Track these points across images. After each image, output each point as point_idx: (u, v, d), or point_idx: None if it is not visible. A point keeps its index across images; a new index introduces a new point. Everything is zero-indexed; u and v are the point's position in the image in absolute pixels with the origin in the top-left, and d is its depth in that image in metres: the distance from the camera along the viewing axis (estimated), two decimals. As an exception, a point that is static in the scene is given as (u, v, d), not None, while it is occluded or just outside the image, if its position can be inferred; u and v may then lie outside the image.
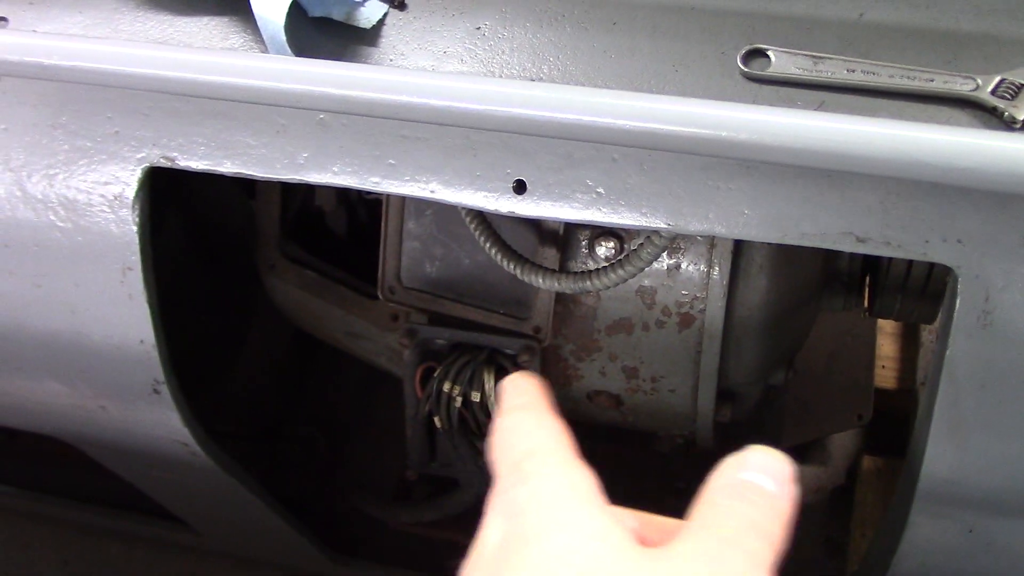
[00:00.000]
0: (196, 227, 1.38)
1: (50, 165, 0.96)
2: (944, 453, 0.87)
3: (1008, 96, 0.78)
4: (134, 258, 0.96)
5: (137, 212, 0.95)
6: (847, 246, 0.80)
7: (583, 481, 0.55)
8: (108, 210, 0.95)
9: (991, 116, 0.79)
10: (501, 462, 0.59)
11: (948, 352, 0.82)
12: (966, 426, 0.85)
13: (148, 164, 0.93)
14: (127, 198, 0.94)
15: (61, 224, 0.97)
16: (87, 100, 0.93)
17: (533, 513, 0.53)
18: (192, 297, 1.37)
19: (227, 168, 0.90)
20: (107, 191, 0.95)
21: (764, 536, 0.51)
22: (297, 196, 1.41)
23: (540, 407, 0.63)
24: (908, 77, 0.81)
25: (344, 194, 1.43)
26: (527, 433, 0.60)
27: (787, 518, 0.53)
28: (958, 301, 0.80)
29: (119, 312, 0.99)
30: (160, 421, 1.10)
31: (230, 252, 1.45)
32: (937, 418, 0.85)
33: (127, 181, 0.94)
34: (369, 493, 1.60)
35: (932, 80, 0.80)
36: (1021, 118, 0.77)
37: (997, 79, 0.79)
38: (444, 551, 1.66)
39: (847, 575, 1.63)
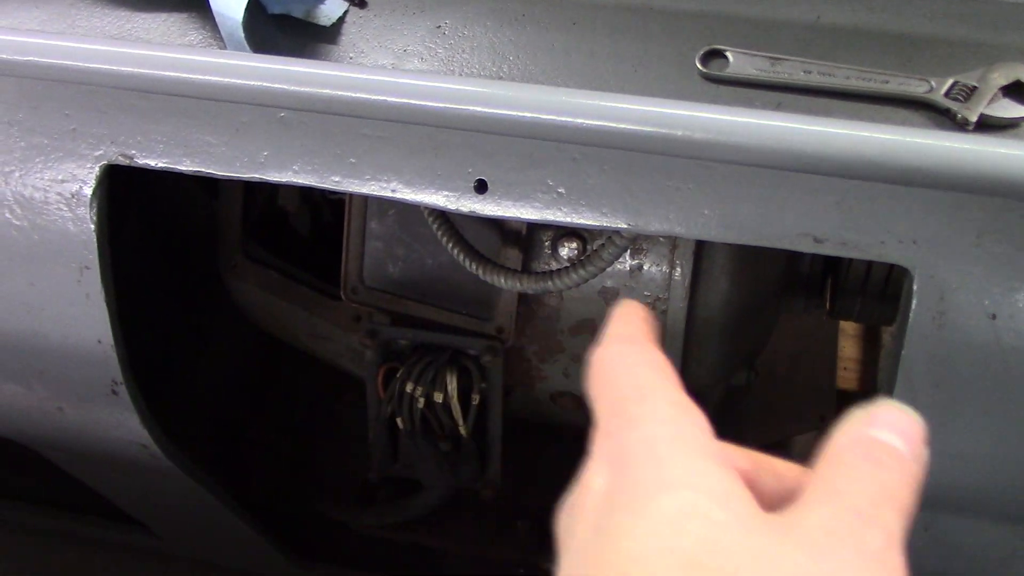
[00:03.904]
0: (157, 227, 1.36)
1: (5, 163, 0.94)
2: (900, 452, 0.87)
3: (961, 98, 0.79)
4: (92, 257, 0.95)
5: (95, 210, 0.93)
6: (805, 247, 0.81)
7: (697, 428, 0.49)
8: (65, 208, 0.94)
9: (944, 118, 0.80)
10: (602, 399, 0.52)
11: (904, 352, 0.82)
12: (922, 425, 0.86)
13: (106, 162, 0.91)
14: (85, 196, 0.93)
15: (17, 223, 0.96)
16: (44, 97, 0.92)
17: (645, 465, 0.46)
18: (152, 297, 1.36)
19: (186, 166, 0.90)
20: (64, 189, 0.93)
21: (899, 508, 0.45)
22: (260, 196, 1.40)
23: (644, 339, 0.56)
24: (864, 79, 0.82)
25: (308, 194, 1.42)
26: (630, 369, 0.53)
27: (918, 485, 0.47)
28: (914, 301, 0.80)
29: (76, 312, 0.98)
30: (118, 422, 1.09)
31: (192, 252, 1.44)
32: (893, 417, 0.86)
33: (84, 179, 0.93)
34: (332, 496, 1.59)
35: (887, 82, 0.81)
36: (974, 120, 0.78)
37: (951, 81, 0.80)
38: (407, 554, 1.67)
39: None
